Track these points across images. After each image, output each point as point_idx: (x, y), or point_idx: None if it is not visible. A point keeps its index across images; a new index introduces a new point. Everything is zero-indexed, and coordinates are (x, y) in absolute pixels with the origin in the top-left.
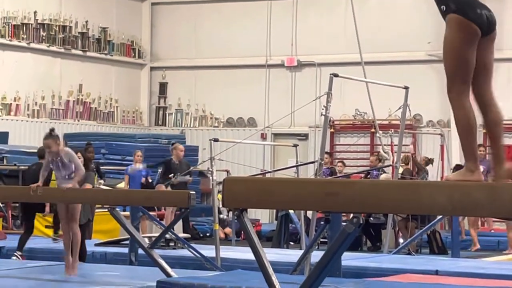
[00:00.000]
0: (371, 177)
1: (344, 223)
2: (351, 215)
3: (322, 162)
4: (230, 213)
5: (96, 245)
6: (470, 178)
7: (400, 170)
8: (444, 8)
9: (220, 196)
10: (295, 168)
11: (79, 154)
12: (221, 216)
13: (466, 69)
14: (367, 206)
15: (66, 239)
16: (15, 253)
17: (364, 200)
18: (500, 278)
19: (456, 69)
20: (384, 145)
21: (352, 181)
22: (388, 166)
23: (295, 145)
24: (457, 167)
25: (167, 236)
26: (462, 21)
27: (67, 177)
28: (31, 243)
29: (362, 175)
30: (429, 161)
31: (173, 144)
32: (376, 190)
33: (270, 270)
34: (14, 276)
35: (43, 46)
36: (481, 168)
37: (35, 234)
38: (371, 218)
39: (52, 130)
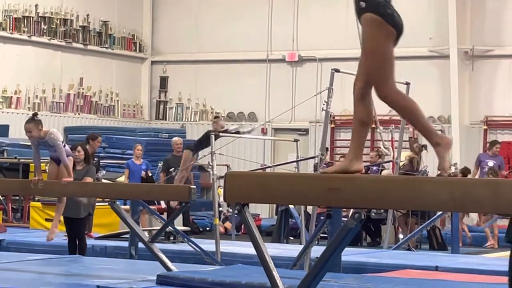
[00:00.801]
0: (371, 172)
1: (344, 219)
2: (351, 210)
3: (323, 157)
4: (229, 207)
5: (96, 238)
6: (442, 151)
7: (403, 157)
8: (364, 5)
9: (220, 190)
10: (295, 163)
11: (79, 147)
12: (221, 208)
13: (390, 66)
14: (369, 202)
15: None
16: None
17: (366, 195)
18: (499, 274)
19: (381, 68)
20: (385, 140)
21: (354, 176)
22: (388, 161)
23: (296, 140)
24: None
25: (167, 229)
26: (379, 20)
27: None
28: (30, 236)
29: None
30: (422, 147)
31: (216, 117)
32: (378, 186)
33: (271, 265)
34: (14, 269)
35: (44, 39)
36: (492, 163)
37: (34, 227)
38: (373, 214)
39: (35, 114)
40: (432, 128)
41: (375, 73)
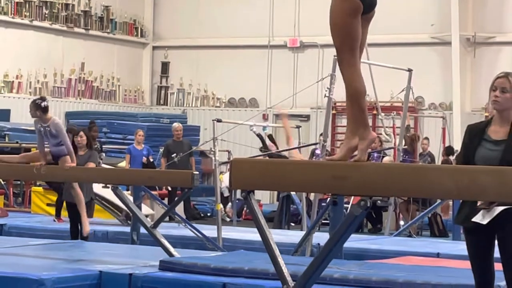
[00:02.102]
0: (372, 159)
1: (345, 205)
2: (352, 197)
3: (325, 143)
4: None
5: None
6: (363, 145)
7: None
8: None
9: (222, 176)
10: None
11: (81, 132)
12: (225, 194)
13: (353, 40)
14: (375, 190)
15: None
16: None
17: (372, 183)
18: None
19: (344, 41)
20: (386, 127)
21: (359, 164)
22: (390, 148)
23: (298, 127)
24: (448, 149)
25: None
26: None
27: (57, 144)
28: (32, 221)
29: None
30: (414, 136)
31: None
32: (384, 174)
33: (277, 252)
34: (16, 254)
35: (46, 24)
36: None
37: (36, 212)
38: (379, 202)
39: (40, 98)
40: (367, 123)
41: (338, 46)
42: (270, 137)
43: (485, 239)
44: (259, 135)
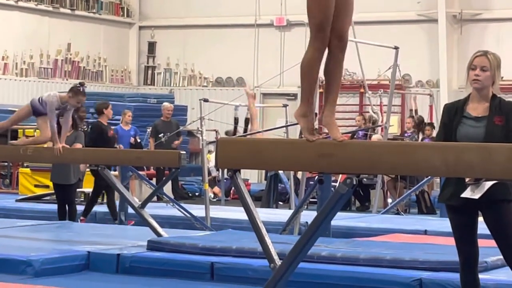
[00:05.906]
0: (357, 137)
1: (333, 183)
2: (340, 175)
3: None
4: (219, 172)
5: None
6: (301, 124)
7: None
8: None
9: (209, 156)
10: (284, 128)
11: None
12: (214, 174)
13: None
14: (362, 168)
15: None
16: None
17: (359, 161)
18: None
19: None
20: (374, 105)
21: (346, 142)
22: (377, 126)
23: (285, 106)
24: (430, 124)
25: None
26: None
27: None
28: (20, 203)
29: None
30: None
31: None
32: (371, 152)
33: (264, 231)
34: (5, 236)
35: (31, 4)
36: None
37: (24, 193)
38: (364, 179)
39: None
40: (311, 102)
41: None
42: (247, 121)
43: (469, 216)
44: (235, 119)
